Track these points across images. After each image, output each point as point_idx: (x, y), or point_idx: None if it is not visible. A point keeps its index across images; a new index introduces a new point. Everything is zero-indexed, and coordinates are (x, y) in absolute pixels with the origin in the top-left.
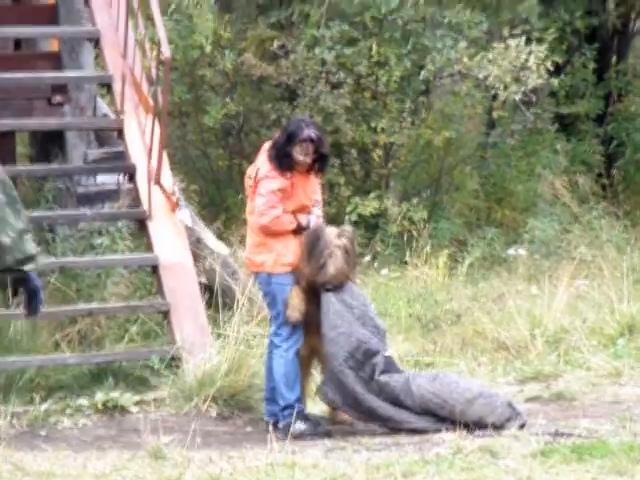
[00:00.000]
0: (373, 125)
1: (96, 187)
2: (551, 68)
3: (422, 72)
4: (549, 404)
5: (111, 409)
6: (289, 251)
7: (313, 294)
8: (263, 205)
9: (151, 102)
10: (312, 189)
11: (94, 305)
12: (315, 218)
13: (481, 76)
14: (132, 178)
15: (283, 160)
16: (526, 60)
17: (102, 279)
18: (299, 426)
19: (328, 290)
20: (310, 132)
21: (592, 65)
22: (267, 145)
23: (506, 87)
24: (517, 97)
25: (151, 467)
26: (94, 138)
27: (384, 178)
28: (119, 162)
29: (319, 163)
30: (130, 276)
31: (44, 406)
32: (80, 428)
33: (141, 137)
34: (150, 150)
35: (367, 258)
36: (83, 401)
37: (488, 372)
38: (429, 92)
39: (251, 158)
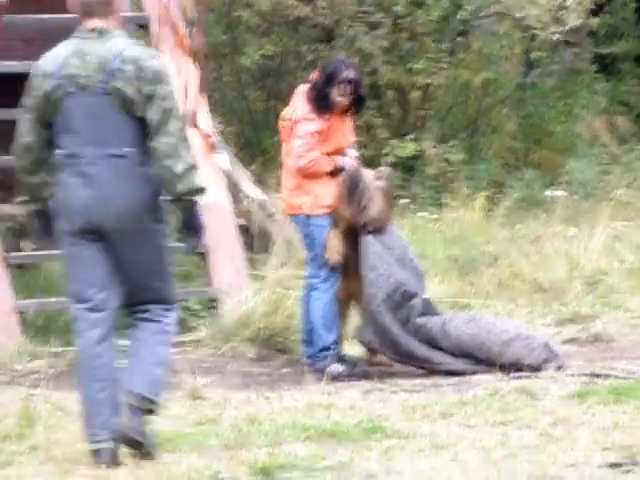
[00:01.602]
0: (410, 66)
1: None
2: (591, 7)
3: (460, 12)
4: (587, 345)
5: None
6: (327, 193)
7: (351, 237)
8: (301, 147)
9: (188, 43)
10: (349, 130)
11: None
12: (350, 160)
13: (519, 16)
14: None
15: (321, 101)
16: (565, 0)
17: None
18: (336, 367)
19: (369, 232)
20: (349, 73)
21: (633, 4)
22: (302, 87)
23: (545, 27)
24: (556, 37)
25: (190, 407)
26: None
27: (421, 120)
28: None
29: (356, 104)
30: (168, 217)
31: None
32: (119, 368)
33: (178, 79)
34: (187, 92)
35: (404, 200)
36: (122, 341)
37: (525, 314)
38: (467, 32)
39: (288, 100)
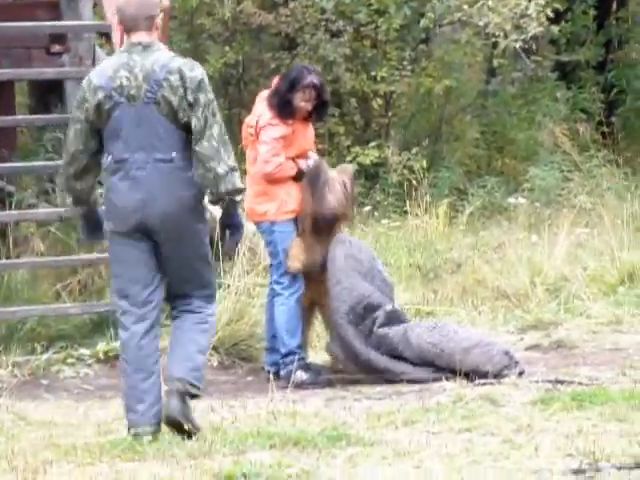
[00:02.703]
0: (373, 74)
1: None
2: (551, 15)
3: (422, 20)
4: (549, 352)
5: (112, 359)
6: (291, 198)
7: (316, 241)
8: (267, 153)
9: None
10: (310, 135)
11: (95, 255)
12: (313, 162)
13: (481, 24)
14: None
15: (285, 107)
16: (526, 8)
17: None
18: (300, 375)
19: (328, 222)
20: (313, 78)
21: (592, 12)
22: (265, 93)
23: (506, 35)
24: (517, 45)
25: None
26: None
27: (384, 127)
28: None
29: (319, 110)
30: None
31: (45, 356)
32: (82, 377)
33: None
34: None
35: (367, 208)
36: (84, 351)
37: (488, 321)
38: (429, 40)
39: (251, 107)
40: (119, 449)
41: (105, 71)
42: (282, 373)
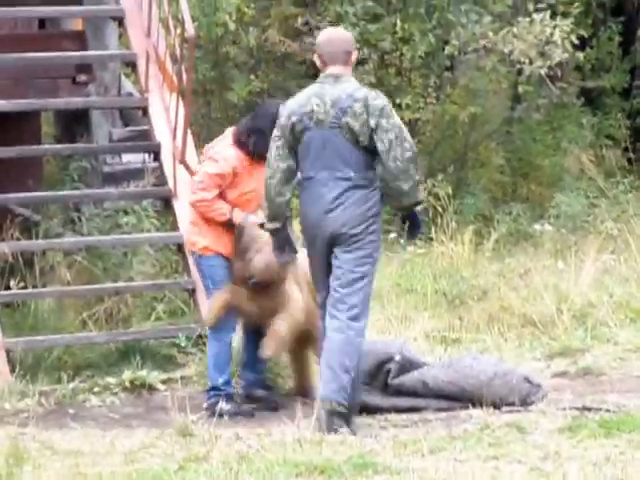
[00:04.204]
0: (398, 101)
1: (121, 166)
2: (576, 42)
3: (447, 47)
4: (576, 379)
5: (139, 387)
6: (220, 241)
7: (253, 295)
8: (197, 184)
9: (175, 80)
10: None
11: (121, 284)
12: (255, 217)
13: (506, 51)
14: (157, 157)
15: (264, 145)
16: (551, 34)
17: (128, 258)
18: (222, 405)
19: (254, 285)
20: None
21: (618, 38)
22: (230, 130)
23: (531, 62)
24: (542, 71)
25: (179, 444)
26: (119, 117)
27: None
28: (144, 141)
29: None
30: (156, 255)
31: (72, 385)
32: (108, 406)
33: (166, 116)
34: (175, 129)
35: (393, 235)
36: (111, 379)
37: (515, 348)
38: (454, 68)
39: None
40: (146, 478)
41: (299, 98)
42: (205, 405)
